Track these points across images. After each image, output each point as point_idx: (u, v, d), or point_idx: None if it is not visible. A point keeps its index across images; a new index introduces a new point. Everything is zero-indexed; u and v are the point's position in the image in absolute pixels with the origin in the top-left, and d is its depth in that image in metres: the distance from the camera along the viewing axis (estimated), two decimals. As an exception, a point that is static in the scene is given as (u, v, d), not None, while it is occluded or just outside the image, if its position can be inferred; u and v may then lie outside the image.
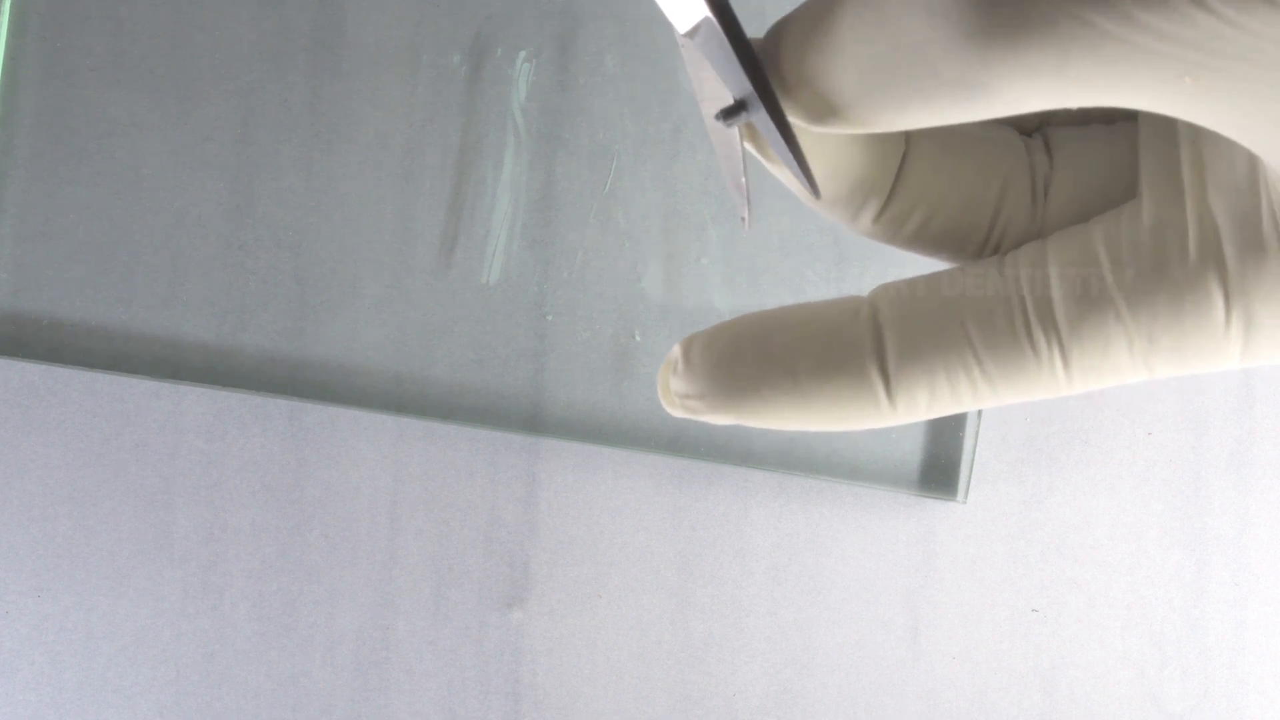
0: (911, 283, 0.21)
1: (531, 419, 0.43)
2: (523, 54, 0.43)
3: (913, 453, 0.42)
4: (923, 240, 0.22)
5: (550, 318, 0.43)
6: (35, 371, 0.44)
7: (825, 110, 0.19)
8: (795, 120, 0.19)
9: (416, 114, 0.43)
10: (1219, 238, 0.19)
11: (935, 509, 0.43)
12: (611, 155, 0.43)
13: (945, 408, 0.21)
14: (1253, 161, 0.19)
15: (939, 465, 0.42)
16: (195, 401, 0.44)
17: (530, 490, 0.44)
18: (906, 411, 0.21)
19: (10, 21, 0.44)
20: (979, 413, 0.42)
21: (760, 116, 0.19)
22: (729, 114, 0.20)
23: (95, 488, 0.44)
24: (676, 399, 0.22)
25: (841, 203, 0.21)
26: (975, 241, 0.22)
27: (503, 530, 0.44)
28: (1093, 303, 0.20)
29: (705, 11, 0.19)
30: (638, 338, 0.43)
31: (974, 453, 0.42)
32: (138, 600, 0.44)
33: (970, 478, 0.42)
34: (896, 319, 0.21)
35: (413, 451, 0.44)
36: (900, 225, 0.21)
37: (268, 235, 0.43)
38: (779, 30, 0.19)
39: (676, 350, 0.22)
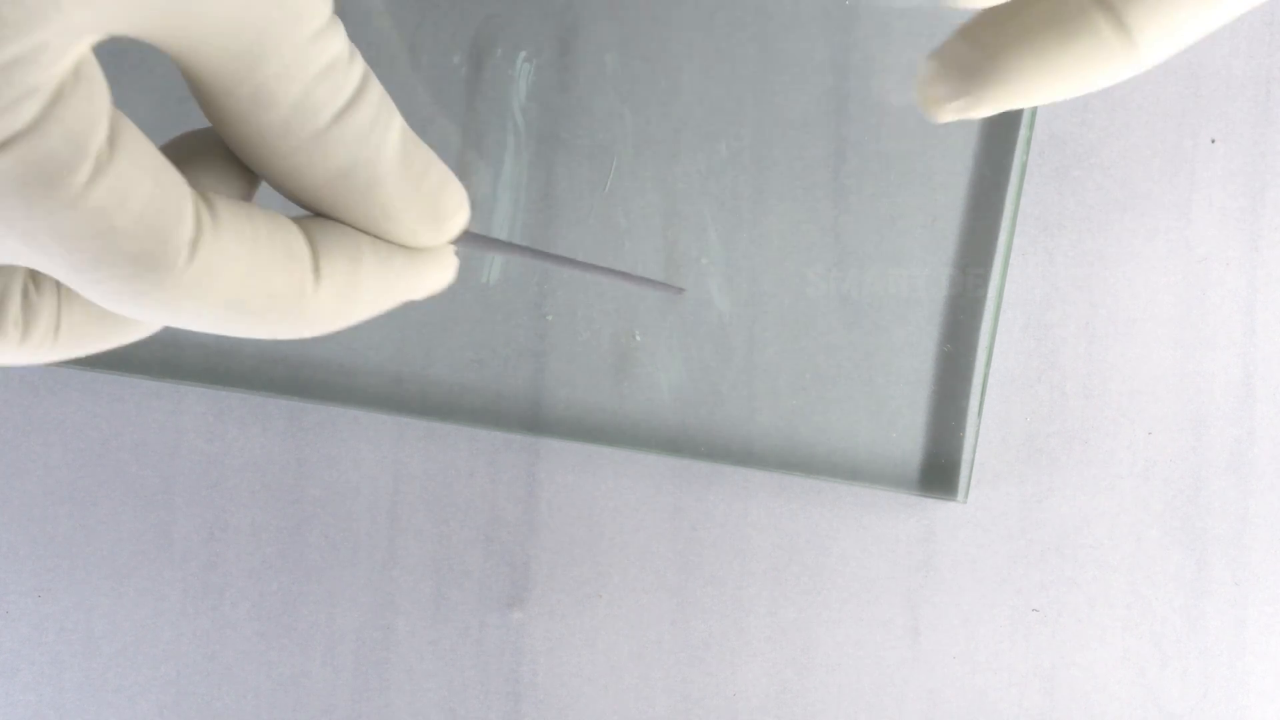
0: None
1: (531, 419, 0.43)
2: (523, 54, 0.43)
3: (913, 453, 0.42)
4: None
5: (550, 318, 0.43)
6: (35, 371, 0.44)
7: None
8: None
9: (416, 114, 0.43)
10: None
11: (935, 509, 0.43)
12: (611, 155, 0.43)
13: (1190, 38, 0.24)
14: None
15: (939, 465, 0.42)
16: (195, 401, 0.44)
17: (530, 490, 0.44)
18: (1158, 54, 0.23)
19: (10, 21, 0.44)
20: (979, 412, 0.42)
21: None
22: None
23: (95, 488, 0.44)
24: (946, 106, 0.24)
25: None
26: None
27: (503, 530, 0.44)
28: None
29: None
30: (638, 338, 0.43)
31: (974, 453, 0.42)
32: (138, 600, 0.44)
33: (970, 478, 0.42)
34: None
35: (413, 451, 0.44)
36: None
37: (268, 235, 0.43)
38: None
39: (924, 65, 0.25)
